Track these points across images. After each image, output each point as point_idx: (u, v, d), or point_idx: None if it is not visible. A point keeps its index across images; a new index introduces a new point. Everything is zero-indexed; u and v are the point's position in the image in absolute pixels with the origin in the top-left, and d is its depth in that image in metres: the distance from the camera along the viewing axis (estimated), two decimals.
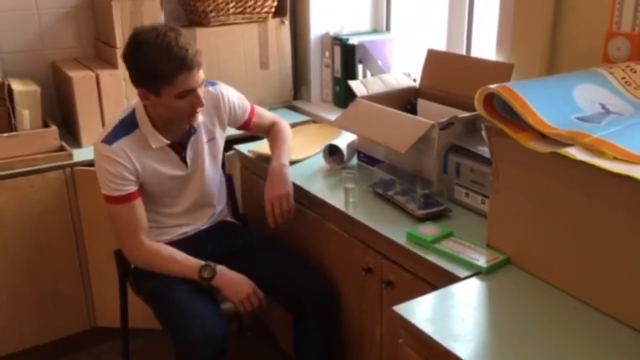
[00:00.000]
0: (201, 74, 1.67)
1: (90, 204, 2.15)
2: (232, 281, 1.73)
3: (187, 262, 1.74)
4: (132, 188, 1.73)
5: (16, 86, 2.17)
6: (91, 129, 2.25)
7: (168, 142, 1.77)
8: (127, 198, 1.72)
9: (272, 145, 1.97)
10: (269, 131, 2.03)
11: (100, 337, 2.38)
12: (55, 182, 2.12)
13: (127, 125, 1.74)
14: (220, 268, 1.73)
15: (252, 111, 2.00)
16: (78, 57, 2.48)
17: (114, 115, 1.81)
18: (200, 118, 1.79)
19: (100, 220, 2.11)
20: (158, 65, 1.58)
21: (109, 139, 1.71)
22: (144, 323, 2.11)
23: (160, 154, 1.78)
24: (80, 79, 2.21)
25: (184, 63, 1.59)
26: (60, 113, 2.47)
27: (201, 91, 1.69)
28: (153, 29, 1.62)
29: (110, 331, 2.27)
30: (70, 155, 2.14)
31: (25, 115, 2.13)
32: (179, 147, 1.82)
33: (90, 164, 2.13)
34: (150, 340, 2.42)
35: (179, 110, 1.68)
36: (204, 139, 1.86)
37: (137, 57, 1.61)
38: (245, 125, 2.00)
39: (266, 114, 2.05)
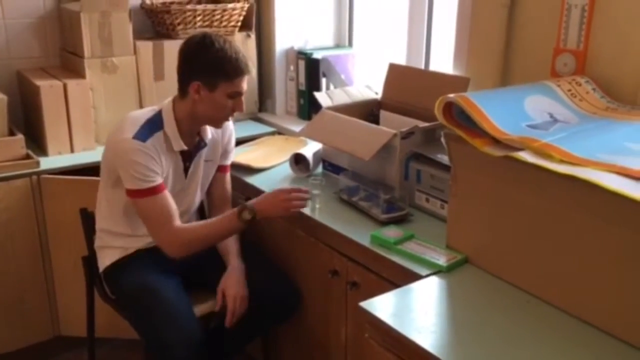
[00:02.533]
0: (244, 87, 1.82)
1: (57, 212, 2.16)
2: (268, 203, 1.79)
3: (223, 217, 1.79)
4: (160, 180, 1.75)
5: None
6: (57, 137, 2.27)
7: (186, 147, 1.83)
8: (158, 189, 1.74)
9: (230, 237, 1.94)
10: (221, 208, 2.00)
11: (64, 346, 2.37)
12: (21, 190, 2.12)
13: (154, 124, 1.78)
14: (251, 203, 1.78)
15: (229, 167, 2.05)
16: (44, 67, 2.49)
17: (134, 114, 1.82)
18: (209, 135, 1.91)
19: (66, 228, 2.12)
20: (227, 62, 1.74)
21: (141, 136, 1.73)
22: (109, 332, 2.13)
23: (174, 158, 1.83)
24: (48, 87, 2.23)
25: (246, 68, 1.78)
26: (26, 122, 2.47)
27: (243, 99, 1.83)
28: (210, 34, 1.78)
29: (74, 340, 2.27)
30: (37, 163, 2.15)
31: None
32: (188, 156, 1.87)
33: (57, 172, 2.16)
34: (115, 348, 2.42)
35: (223, 109, 1.79)
36: (204, 157, 1.92)
37: (208, 51, 1.74)
38: (217, 171, 2.02)
39: (229, 188, 2.07)
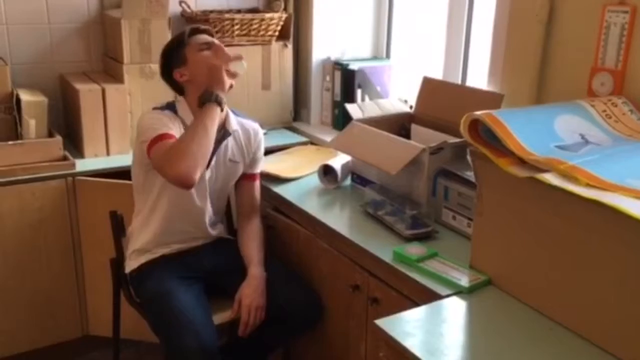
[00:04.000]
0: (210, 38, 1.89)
1: (90, 213, 2.21)
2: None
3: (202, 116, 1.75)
4: (176, 133, 1.77)
5: (24, 96, 2.24)
6: (95, 140, 2.32)
7: None
8: (172, 136, 1.74)
9: (253, 245, 1.94)
10: (249, 216, 2.00)
11: (92, 345, 2.41)
12: (56, 190, 2.17)
13: (169, 108, 1.86)
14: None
15: (258, 176, 2.05)
16: (86, 71, 2.56)
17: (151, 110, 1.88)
18: (234, 126, 1.92)
19: (98, 230, 2.16)
20: (175, 39, 1.91)
21: (161, 109, 1.84)
22: (135, 334, 2.15)
23: None
24: (87, 92, 2.28)
25: (193, 31, 1.89)
26: (65, 124, 2.54)
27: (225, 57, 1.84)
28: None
29: (102, 340, 2.30)
30: (73, 165, 2.20)
31: (32, 124, 2.20)
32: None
33: (92, 174, 2.21)
34: (141, 351, 2.45)
35: (207, 63, 1.81)
36: (229, 154, 1.93)
37: (164, 47, 1.91)
38: (242, 179, 2.02)
39: (258, 197, 2.05)
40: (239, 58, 1.84)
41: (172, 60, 1.88)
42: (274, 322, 1.86)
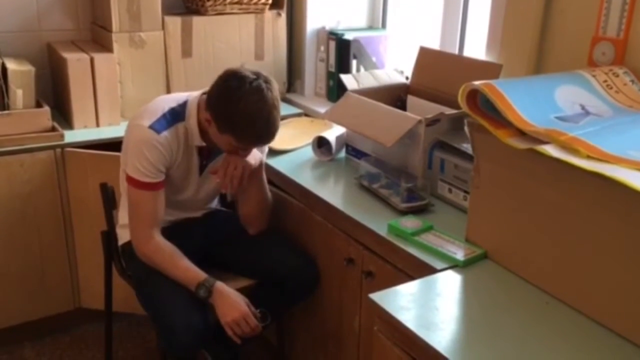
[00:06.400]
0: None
1: (79, 185, 2.17)
2: (226, 303, 1.67)
3: (188, 274, 1.69)
4: (161, 177, 1.72)
5: (11, 65, 2.18)
6: (83, 111, 2.27)
7: (204, 144, 1.77)
8: (154, 186, 1.70)
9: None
10: (260, 214, 1.93)
11: (84, 318, 2.40)
12: (45, 162, 2.13)
13: (176, 115, 1.73)
14: (217, 287, 1.67)
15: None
16: (74, 40, 2.49)
17: (161, 99, 1.78)
18: None
19: (89, 202, 2.13)
20: (243, 127, 1.61)
21: (158, 127, 1.68)
22: (127, 307, 2.13)
23: (190, 153, 1.79)
24: (75, 61, 2.23)
25: (262, 141, 1.70)
26: (54, 94, 2.49)
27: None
28: (258, 89, 1.60)
29: (94, 313, 2.29)
30: (62, 136, 2.16)
31: (19, 94, 2.15)
32: (206, 154, 1.83)
33: (81, 146, 2.17)
34: (133, 324, 2.45)
35: (227, 149, 1.71)
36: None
37: (229, 106, 1.61)
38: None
39: (268, 193, 1.96)
40: None
41: (216, 111, 1.64)
42: (271, 288, 1.85)
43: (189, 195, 1.89)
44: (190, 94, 1.78)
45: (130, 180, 1.70)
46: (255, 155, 1.79)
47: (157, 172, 1.70)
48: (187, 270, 1.71)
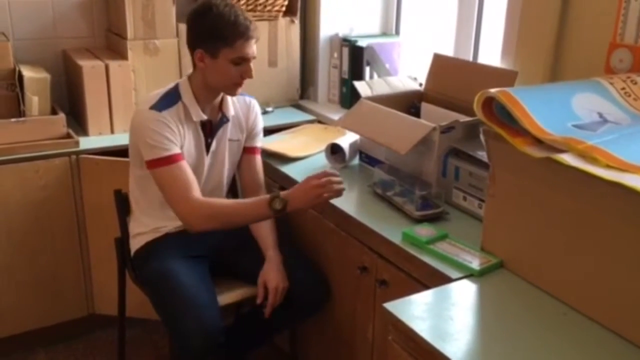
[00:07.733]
0: (255, 49, 1.77)
1: (94, 192, 2.18)
2: (301, 189, 1.67)
3: (253, 202, 1.70)
4: (177, 150, 1.73)
5: (27, 72, 2.20)
6: (98, 118, 2.29)
7: (206, 117, 1.81)
8: (174, 158, 1.71)
9: (266, 226, 1.89)
10: (254, 193, 1.93)
11: (98, 324, 2.41)
12: (60, 168, 2.15)
13: (171, 97, 1.78)
14: (283, 192, 1.67)
15: (259, 150, 2.00)
16: (89, 47, 2.51)
17: (152, 92, 1.82)
18: (232, 111, 1.87)
19: (103, 208, 2.14)
20: (224, 27, 1.70)
21: (158, 107, 1.73)
22: (141, 313, 2.13)
23: (194, 130, 1.82)
24: (90, 68, 2.24)
25: (246, 32, 1.73)
26: (69, 101, 2.50)
27: (252, 66, 1.78)
28: (224, 1, 1.75)
29: (108, 319, 2.29)
30: (77, 143, 2.17)
31: (34, 101, 2.16)
32: (210, 131, 1.85)
33: (96, 152, 2.18)
34: (147, 330, 2.45)
35: (229, 77, 1.75)
36: (229, 135, 1.90)
37: (206, 17, 1.72)
38: (243, 153, 1.98)
39: (261, 173, 2.00)
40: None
41: (201, 39, 1.74)
42: (281, 304, 1.83)
43: (206, 184, 1.88)
44: (179, 80, 1.85)
45: (150, 163, 1.72)
46: (285, 282, 1.81)
47: (169, 143, 1.72)
48: (251, 203, 1.71)
